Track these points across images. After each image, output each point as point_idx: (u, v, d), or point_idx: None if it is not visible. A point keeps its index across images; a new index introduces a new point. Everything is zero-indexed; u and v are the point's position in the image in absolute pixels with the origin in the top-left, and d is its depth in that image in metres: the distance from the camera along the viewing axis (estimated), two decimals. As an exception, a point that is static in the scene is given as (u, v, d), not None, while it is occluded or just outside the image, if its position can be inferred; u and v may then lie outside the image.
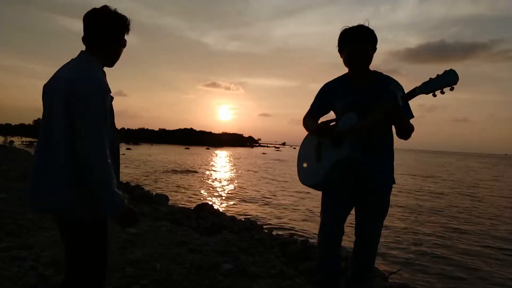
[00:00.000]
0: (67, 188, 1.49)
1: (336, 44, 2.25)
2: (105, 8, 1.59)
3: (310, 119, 2.42)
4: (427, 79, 1.87)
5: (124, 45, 1.69)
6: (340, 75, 2.36)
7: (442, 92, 1.83)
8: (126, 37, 1.69)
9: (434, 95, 1.85)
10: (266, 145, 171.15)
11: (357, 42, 2.14)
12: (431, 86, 1.84)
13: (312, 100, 2.46)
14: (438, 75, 1.83)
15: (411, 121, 2.21)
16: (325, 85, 2.40)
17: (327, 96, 2.37)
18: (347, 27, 2.19)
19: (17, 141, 56.00)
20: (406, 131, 2.18)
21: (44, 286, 2.63)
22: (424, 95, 1.88)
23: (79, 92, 1.43)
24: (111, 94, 1.56)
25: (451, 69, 1.81)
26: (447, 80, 1.80)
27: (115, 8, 1.62)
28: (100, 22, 1.57)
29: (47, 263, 3.03)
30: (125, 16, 1.64)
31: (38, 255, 3.23)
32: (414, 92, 1.91)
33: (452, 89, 1.81)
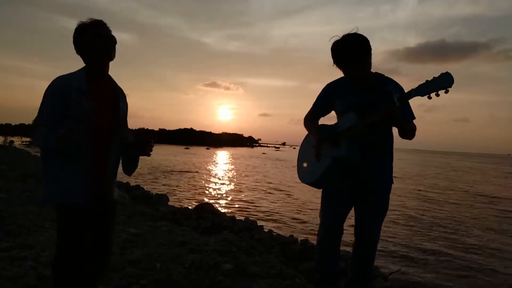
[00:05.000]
0: None
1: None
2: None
3: (310, 120, 2.43)
4: (424, 80, 1.88)
5: (99, 46, 1.77)
6: (341, 75, 2.34)
7: (437, 95, 1.85)
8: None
9: (430, 98, 1.87)
10: (266, 145, 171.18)
11: (350, 63, 2.11)
12: (426, 89, 1.86)
13: (313, 100, 2.47)
14: (434, 77, 1.84)
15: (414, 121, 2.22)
16: (327, 85, 2.40)
17: (329, 96, 2.37)
18: (337, 40, 2.13)
19: (17, 141, 55.94)
20: (406, 131, 2.18)
21: (44, 286, 2.63)
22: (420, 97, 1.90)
23: None
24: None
25: (447, 72, 1.83)
26: (442, 83, 1.82)
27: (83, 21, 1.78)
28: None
29: (47, 263, 3.03)
30: (81, 24, 1.77)
31: (38, 255, 3.22)
32: (410, 94, 1.93)
33: (447, 92, 1.83)
